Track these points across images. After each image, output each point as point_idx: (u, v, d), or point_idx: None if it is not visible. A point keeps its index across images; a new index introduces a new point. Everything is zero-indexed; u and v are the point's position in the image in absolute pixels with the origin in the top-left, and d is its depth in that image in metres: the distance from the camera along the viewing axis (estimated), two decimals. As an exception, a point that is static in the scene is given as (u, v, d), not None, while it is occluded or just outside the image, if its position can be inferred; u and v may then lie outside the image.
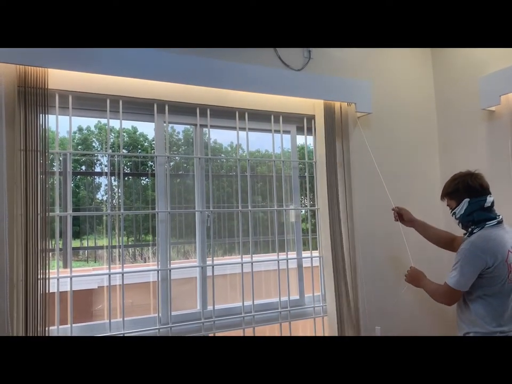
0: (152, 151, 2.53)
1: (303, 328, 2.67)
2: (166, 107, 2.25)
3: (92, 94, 2.08)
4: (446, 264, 2.29)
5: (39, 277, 1.82)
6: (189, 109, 2.33)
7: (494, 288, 1.89)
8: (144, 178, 3.21)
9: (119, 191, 2.23)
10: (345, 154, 2.63)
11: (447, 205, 2.05)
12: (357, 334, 2.52)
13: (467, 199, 1.95)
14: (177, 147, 2.94)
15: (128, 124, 3.05)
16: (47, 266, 1.84)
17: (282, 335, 2.44)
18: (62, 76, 1.96)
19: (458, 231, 2.09)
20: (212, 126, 2.40)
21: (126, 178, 2.91)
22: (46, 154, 1.88)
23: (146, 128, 2.93)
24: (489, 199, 1.95)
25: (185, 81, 2.17)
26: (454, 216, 2.01)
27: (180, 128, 2.92)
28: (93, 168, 3.17)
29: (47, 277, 1.84)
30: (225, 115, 2.43)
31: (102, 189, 3.04)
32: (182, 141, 3.03)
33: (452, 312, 2.11)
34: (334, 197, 2.51)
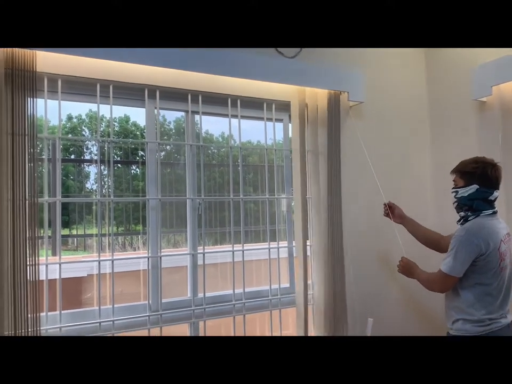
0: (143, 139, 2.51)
1: (292, 316, 2.66)
2: (157, 92, 2.22)
3: (82, 78, 2.04)
4: (435, 255, 2.30)
5: (28, 263, 1.79)
6: (181, 95, 2.30)
7: (486, 276, 1.91)
8: (134, 168, 3.18)
9: (109, 178, 2.20)
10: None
11: (453, 180, 2.05)
12: (345, 323, 2.53)
13: (477, 186, 1.95)
14: (168, 137, 2.92)
15: (120, 112, 3.01)
16: (36, 252, 1.81)
17: (273, 322, 2.44)
18: (50, 59, 1.91)
19: (447, 228, 2.09)
20: (204, 113, 2.37)
21: (116, 168, 2.88)
22: (34, 138, 1.84)
23: (139, 117, 2.90)
24: (495, 194, 1.97)
25: (177, 66, 2.13)
26: (454, 194, 2.02)
27: (171, 117, 2.90)
28: (83, 157, 3.14)
29: (36, 263, 1.81)
30: (217, 102, 2.40)
31: (92, 178, 3.01)
32: (174, 130, 3.00)
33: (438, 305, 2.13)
34: (334, 186, 2.52)
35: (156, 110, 2.25)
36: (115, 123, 3.07)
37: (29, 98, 1.83)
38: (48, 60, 1.91)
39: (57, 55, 1.91)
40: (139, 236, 3.44)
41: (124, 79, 2.12)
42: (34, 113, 1.84)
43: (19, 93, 1.80)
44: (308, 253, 2.46)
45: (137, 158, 2.96)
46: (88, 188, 3.03)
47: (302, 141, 2.45)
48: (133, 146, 2.96)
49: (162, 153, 3.24)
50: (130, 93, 2.21)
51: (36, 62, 1.84)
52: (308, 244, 2.46)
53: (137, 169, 3.15)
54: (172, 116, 2.90)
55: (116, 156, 3.04)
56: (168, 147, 2.88)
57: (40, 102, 1.93)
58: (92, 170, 3.01)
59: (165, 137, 2.73)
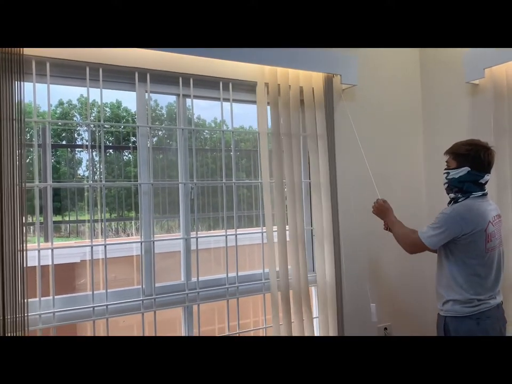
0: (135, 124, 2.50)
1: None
2: (148, 76, 2.19)
3: (71, 61, 2.00)
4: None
5: (17, 248, 1.77)
6: (172, 78, 2.28)
7: (471, 255, 1.94)
8: (126, 154, 3.15)
9: (101, 163, 2.18)
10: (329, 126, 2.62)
11: (446, 161, 2.06)
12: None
13: (468, 168, 1.96)
14: (160, 122, 2.90)
15: (112, 97, 2.98)
16: (25, 238, 1.80)
17: (266, 305, 2.46)
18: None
19: (439, 208, 2.10)
20: (196, 97, 2.35)
21: (107, 154, 2.86)
22: (22, 123, 1.81)
23: (130, 103, 2.86)
24: (486, 177, 1.99)
25: (167, 48, 2.10)
26: (446, 175, 2.03)
27: (163, 103, 2.86)
28: (74, 143, 3.11)
29: (25, 248, 1.80)
30: (209, 85, 2.38)
31: (83, 164, 2.98)
32: (165, 116, 2.97)
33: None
34: (331, 170, 2.56)
35: (146, 93, 2.23)
36: (106, 109, 3.04)
37: (16, 82, 1.80)
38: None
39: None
40: (132, 222, 3.43)
41: (114, 62, 2.10)
42: (22, 97, 1.81)
43: (6, 77, 1.78)
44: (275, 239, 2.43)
45: (130, 144, 2.92)
46: (80, 174, 3.01)
47: (274, 123, 2.42)
48: (124, 131, 2.92)
49: (155, 138, 3.21)
50: (121, 76, 2.18)
51: (22, 45, 1.81)
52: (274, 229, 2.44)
53: (129, 155, 3.12)
54: (164, 101, 2.86)
55: (107, 142, 3.02)
56: (160, 132, 2.86)
57: (28, 86, 1.90)
58: (84, 156, 2.97)
59: (157, 123, 2.70)
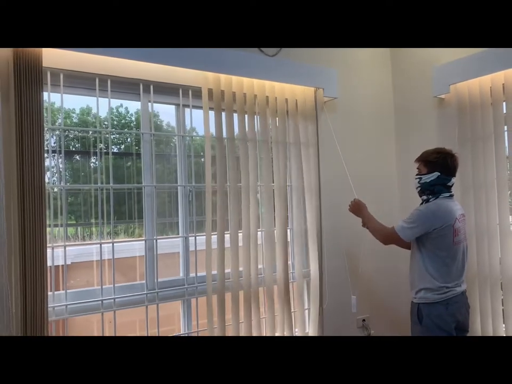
0: (134, 129, 2.66)
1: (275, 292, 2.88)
2: (151, 87, 2.38)
3: (82, 72, 2.17)
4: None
5: (37, 247, 1.91)
6: (172, 89, 2.47)
7: (442, 247, 2.22)
8: (94, 161, 3.23)
9: (110, 168, 2.31)
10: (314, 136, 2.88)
11: (417, 168, 2.34)
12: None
13: (438, 173, 2.25)
14: (129, 128, 3.02)
15: (83, 103, 3.08)
16: (44, 237, 1.94)
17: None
18: (53, 54, 2.03)
19: (410, 207, 2.39)
20: (194, 107, 2.55)
21: (73, 160, 2.98)
22: (41, 130, 1.95)
23: (99, 108, 2.95)
24: (453, 180, 2.30)
25: (168, 62, 2.29)
26: (418, 180, 2.32)
27: (132, 109, 3.04)
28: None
29: (45, 245, 1.95)
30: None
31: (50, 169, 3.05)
32: (135, 122, 3.11)
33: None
34: (316, 175, 2.85)
35: (149, 103, 2.41)
36: (73, 114, 3.15)
37: (35, 92, 1.94)
38: (50, 56, 2.03)
39: (59, 51, 2.03)
40: (133, 225, 3.50)
41: (121, 74, 2.27)
42: (41, 106, 1.96)
43: (27, 87, 1.92)
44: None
45: (96, 150, 3.00)
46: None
47: (218, 128, 2.50)
48: (93, 138, 2.99)
49: (123, 145, 3.32)
50: (126, 86, 2.35)
51: (41, 58, 1.96)
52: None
53: (96, 162, 3.18)
54: (133, 107, 3.00)
55: (72, 148, 3.11)
56: (129, 139, 3.04)
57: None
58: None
59: (126, 129, 2.78)
